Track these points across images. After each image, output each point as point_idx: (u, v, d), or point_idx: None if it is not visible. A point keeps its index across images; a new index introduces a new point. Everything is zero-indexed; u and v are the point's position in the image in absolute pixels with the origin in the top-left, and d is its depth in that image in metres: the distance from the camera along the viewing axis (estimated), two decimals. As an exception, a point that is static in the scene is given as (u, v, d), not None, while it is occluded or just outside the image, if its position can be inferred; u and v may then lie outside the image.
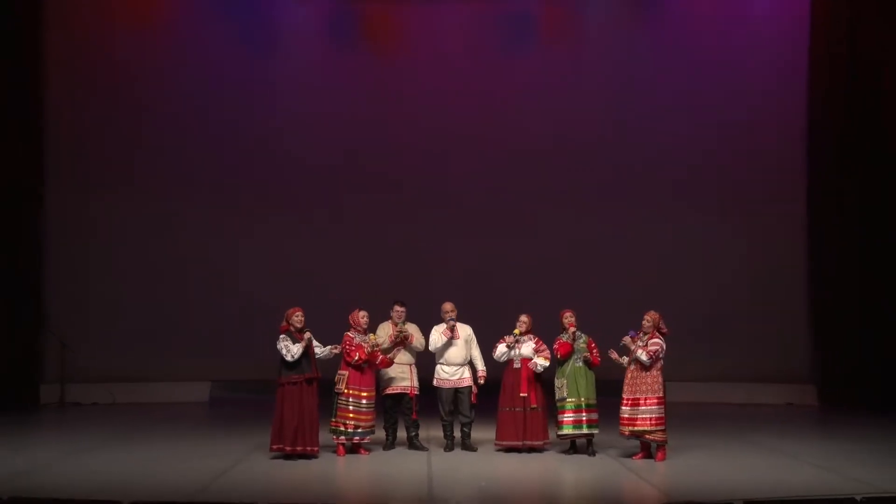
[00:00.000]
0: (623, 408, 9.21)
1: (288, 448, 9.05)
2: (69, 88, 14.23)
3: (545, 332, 9.75)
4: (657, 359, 9.14)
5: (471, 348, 9.81)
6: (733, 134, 14.49)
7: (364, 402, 9.43)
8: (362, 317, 9.55)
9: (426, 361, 9.92)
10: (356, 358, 9.34)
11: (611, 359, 9.39)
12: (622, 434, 9.29)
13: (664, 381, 9.20)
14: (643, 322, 9.27)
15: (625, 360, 9.32)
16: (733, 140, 14.49)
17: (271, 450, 9.14)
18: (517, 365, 9.58)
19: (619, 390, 9.33)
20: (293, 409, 9.05)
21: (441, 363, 9.77)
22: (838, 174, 13.78)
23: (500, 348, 9.66)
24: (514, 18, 15.02)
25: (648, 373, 9.12)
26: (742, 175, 14.49)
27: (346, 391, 9.36)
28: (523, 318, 9.71)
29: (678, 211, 14.50)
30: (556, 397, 9.54)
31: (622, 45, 14.80)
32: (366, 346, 9.39)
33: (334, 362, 9.55)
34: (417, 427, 9.79)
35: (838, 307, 13.70)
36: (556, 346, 9.56)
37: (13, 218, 13.55)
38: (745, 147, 14.47)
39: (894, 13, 13.26)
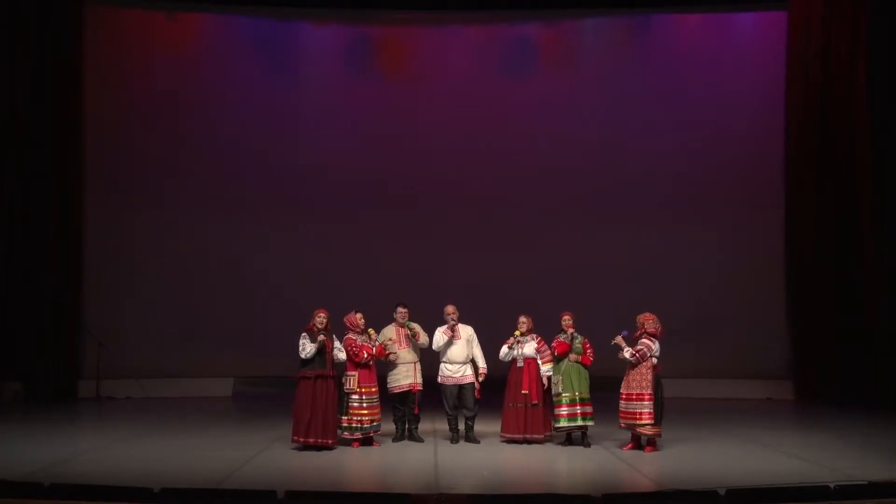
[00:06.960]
0: (621, 402, 9.22)
1: (301, 439, 9.03)
2: (109, 105, 14.26)
3: (545, 334, 9.71)
4: (643, 358, 9.11)
5: (472, 347, 9.75)
6: (716, 150, 14.49)
7: (374, 397, 9.39)
8: (360, 318, 9.42)
9: (431, 360, 9.89)
10: (365, 356, 9.28)
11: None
12: (620, 427, 9.29)
13: (655, 378, 9.10)
14: (637, 323, 9.31)
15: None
16: (716, 155, 14.49)
17: (292, 441, 9.13)
18: (520, 364, 9.55)
19: (615, 386, 9.34)
20: (306, 402, 9.02)
21: (444, 361, 9.72)
22: (814, 186, 13.73)
23: (503, 349, 9.66)
24: (516, 43, 15.06)
25: (639, 370, 9.12)
26: (724, 188, 14.48)
27: (359, 390, 9.28)
28: (523, 318, 9.67)
29: (666, 222, 14.50)
30: (552, 392, 9.52)
31: (614, 68, 14.81)
32: (370, 342, 9.34)
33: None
34: (418, 420, 9.75)
35: (813, 309, 13.66)
36: (553, 345, 9.56)
37: (58, 230, 13.64)
38: (727, 162, 14.46)
39: (862, 35, 13.30)
